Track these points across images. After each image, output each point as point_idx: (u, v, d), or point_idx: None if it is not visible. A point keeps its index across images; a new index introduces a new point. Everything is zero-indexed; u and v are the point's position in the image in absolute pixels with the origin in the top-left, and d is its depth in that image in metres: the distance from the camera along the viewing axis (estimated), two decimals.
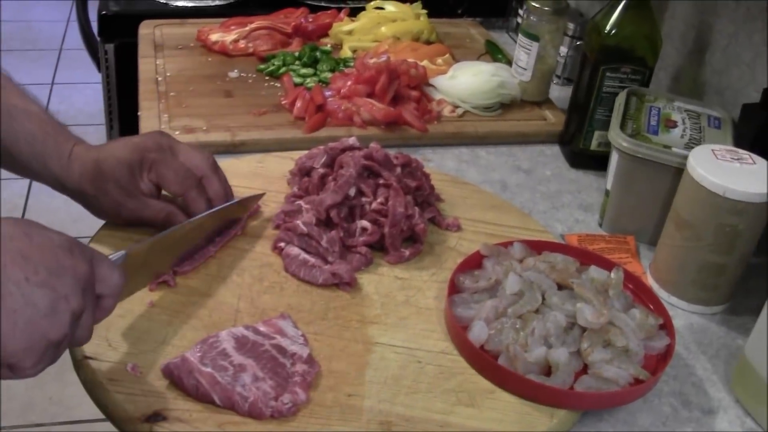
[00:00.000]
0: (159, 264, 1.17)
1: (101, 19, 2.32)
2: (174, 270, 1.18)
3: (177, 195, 1.24)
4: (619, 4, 1.49)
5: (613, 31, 1.49)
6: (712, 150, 1.23)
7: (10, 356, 0.81)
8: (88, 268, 0.89)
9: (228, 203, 1.27)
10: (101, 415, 1.00)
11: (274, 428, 0.96)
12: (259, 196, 1.34)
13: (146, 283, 1.15)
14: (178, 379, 0.98)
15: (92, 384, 1.01)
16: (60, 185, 1.21)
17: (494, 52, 2.03)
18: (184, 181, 1.22)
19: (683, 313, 1.27)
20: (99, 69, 2.49)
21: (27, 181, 3.54)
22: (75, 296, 0.86)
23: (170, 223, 1.22)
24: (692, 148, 1.28)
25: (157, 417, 0.95)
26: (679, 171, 1.28)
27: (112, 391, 0.98)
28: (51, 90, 4.69)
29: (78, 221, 3.59)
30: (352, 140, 1.36)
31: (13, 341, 0.81)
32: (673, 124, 1.41)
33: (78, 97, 4.48)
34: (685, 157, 1.24)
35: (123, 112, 2.42)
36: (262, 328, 1.07)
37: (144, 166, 1.21)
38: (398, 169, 1.32)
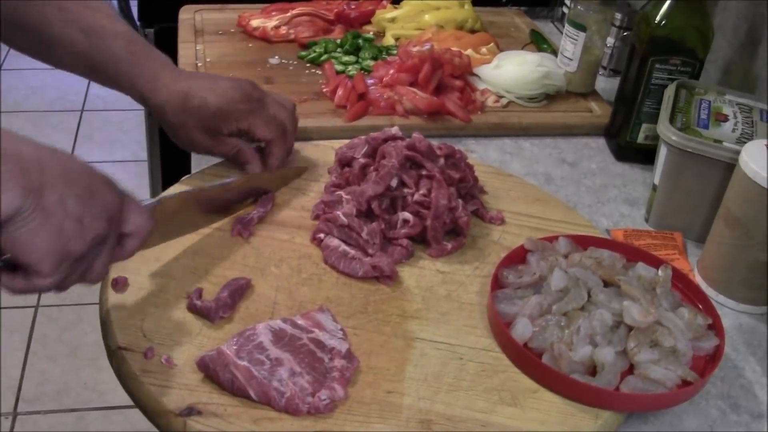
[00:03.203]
0: (192, 218, 1.20)
1: (141, 3, 2.31)
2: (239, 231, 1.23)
3: (263, 140, 1.31)
4: None
5: (663, 22, 1.45)
6: (766, 145, 1.19)
7: (29, 254, 0.84)
8: (118, 202, 0.94)
9: (264, 172, 1.33)
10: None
11: (311, 425, 0.94)
12: (302, 170, 1.38)
13: (179, 235, 1.18)
14: (213, 372, 0.96)
15: (126, 375, 0.99)
16: (144, 102, 1.30)
17: (539, 42, 1.99)
18: (274, 129, 1.32)
19: (732, 313, 1.24)
20: None
21: None
22: (101, 220, 0.90)
23: (239, 158, 1.31)
24: (744, 142, 1.24)
25: (191, 411, 0.93)
26: (729, 166, 1.24)
27: (146, 383, 0.97)
28: None
29: None
30: (394, 130, 1.33)
31: (38, 240, 0.84)
32: (724, 118, 1.37)
33: None
34: (737, 152, 1.21)
35: None
36: (300, 322, 1.04)
37: (232, 117, 1.28)
38: (441, 160, 1.29)
